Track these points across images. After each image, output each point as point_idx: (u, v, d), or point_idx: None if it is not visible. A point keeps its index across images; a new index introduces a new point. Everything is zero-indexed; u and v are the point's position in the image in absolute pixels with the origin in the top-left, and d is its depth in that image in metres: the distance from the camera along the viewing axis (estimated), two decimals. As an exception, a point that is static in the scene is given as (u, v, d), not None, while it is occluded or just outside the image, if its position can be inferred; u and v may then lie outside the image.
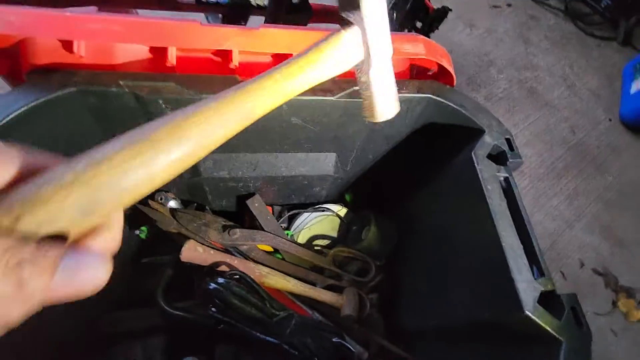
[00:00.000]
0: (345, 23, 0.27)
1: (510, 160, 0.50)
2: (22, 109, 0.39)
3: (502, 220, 0.45)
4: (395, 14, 1.01)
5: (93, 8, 0.58)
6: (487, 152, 0.50)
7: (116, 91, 0.43)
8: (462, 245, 0.53)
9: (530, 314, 0.39)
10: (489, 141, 0.51)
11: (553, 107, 1.45)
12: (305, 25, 0.84)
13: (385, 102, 0.30)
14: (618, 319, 1.00)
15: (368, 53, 0.27)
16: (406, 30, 1.14)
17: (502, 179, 0.49)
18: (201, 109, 0.21)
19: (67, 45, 0.43)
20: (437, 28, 1.12)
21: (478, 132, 0.52)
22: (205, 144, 0.21)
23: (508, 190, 0.48)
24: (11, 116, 0.39)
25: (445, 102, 0.53)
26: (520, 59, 1.57)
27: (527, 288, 0.41)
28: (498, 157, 0.51)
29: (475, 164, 0.48)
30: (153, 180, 0.19)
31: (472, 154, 0.49)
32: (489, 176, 0.48)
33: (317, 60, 0.26)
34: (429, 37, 1.10)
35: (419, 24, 1.12)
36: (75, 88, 0.42)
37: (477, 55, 1.51)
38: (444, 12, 1.08)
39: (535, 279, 0.42)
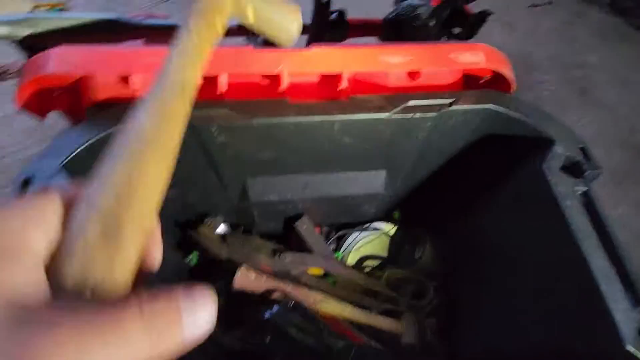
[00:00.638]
0: None
1: (587, 171, 0.45)
2: (87, 144, 0.40)
3: (588, 240, 0.40)
4: (434, 23, 0.98)
5: (140, 42, 0.61)
6: (560, 164, 0.45)
7: (170, 121, 0.43)
8: (534, 267, 0.48)
9: (632, 349, 0.34)
10: (560, 152, 0.46)
11: (608, 106, 1.34)
12: (344, 40, 0.83)
13: (285, 27, 0.30)
14: None
15: None
16: (445, 38, 1.11)
17: (580, 193, 0.44)
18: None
19: (124, 79, 0.44)
20: (477, 33, 1.08)
21: (546, 143, 0.48)
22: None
23: (590, 206, 0.43)
24: (78, 151, 0.39)
25: (507, 111, 0.49)
26: (567, 57, 1.47)
27: (626, 319, 0.36)
28: (573, 169, 0.46)
29: (548, 178, 0.44)
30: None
31: (543, 166, 0.45)
32: (566, 191, 0.43)
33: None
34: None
35: (456, 30, 1.09)
36: (133, 121, 0.42)
37: (519, 56, 1.43)
38: (484, 15, 1.03)
39: (633, 307, 0.37)
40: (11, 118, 1.04)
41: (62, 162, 0.38)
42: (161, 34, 0.57)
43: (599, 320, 0.37)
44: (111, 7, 1.33)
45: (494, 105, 0.49)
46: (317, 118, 0.46)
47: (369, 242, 0.68)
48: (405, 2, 1.00)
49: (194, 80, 0.24)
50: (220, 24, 0.27)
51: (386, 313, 0.59)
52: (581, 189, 0.44)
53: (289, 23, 0.31)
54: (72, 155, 0.39)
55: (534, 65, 1.43)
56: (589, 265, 0.38)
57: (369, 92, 0.48)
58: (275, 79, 0.47)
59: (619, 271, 0.39)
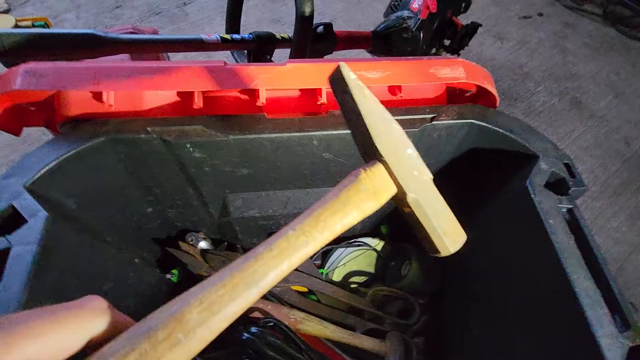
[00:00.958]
0: (366, 159, 0.27)
1: (572, 188, 0.44)
2: (54, 162, 0.39)
3: (571, 260, 0.39)
4: (422, 35, 0.98)
5: (126, 56, 0.60)
6: (544, 180, 0.44)
7: (144, 137, 0.42)
8: (521, 285, 0.46)
9: (619, 377, 0.33)
10: (545, 168, 0.45)
11: (601, 117, 1.34)
12: (331, 52, 0.82)
13: (443, 233, 0.27)
14: None
15: (398, 183, 0.25)
16: (434, 50, 1.11)
17: (564, 210, 0.43)
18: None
19: (97, 95, 0.43)
20: (467, 44, 1.08)
21: (531, 158, 0.47)
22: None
23: (574, 224, 0.42)
24: (44, 170, 0.38)
25: (491, 126, 0.48)
26: (559, 69, 1.48)
27: (612, 344, 0.34)
28: (557, 186, 0.45)
29: (532, 195, 0.43)
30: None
31: (527, 183, 0.44)
32: (550, 208, 0.42)
33: (337, 209, 0.24)
34: (458, 54, 1.06)
35: (446, 42, 1.09)
36: (105, 137, 0.41)
37: (511, 68, 1.44)
38: (474, 27, 1.04)
39: (620, 332, 0.35)
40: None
41: (27, 181, 0.37)
42: (141, 48, 0.57)
43: (585, 345, 0.36)
44: (100, 21, 1.33)
45: (477, 120, 0.48)
46: (295, 134, 0.45)
47: (355, 258, 0.66)
48: (395, 14, 1.00)
49: (270, 285, 0.23)
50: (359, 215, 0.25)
51: (371, 332, 0.57)
52: (566, 206, 0.43)
53: (449, 236, 0.28)
54: (38, 175, 0.37)
55: (526, 76, 1.43)
56: (573, 287, 0.37)
57: (349, 107, 0.47)
58: (253, 93, 0.47)
59: (604, 294, 0.37)
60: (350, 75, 0.26)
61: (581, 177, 0.45)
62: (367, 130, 0.25)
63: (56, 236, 0.36)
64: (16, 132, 0.48)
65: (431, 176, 0.27)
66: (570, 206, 0.43)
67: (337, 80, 0.26)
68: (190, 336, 0.19)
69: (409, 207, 0.26)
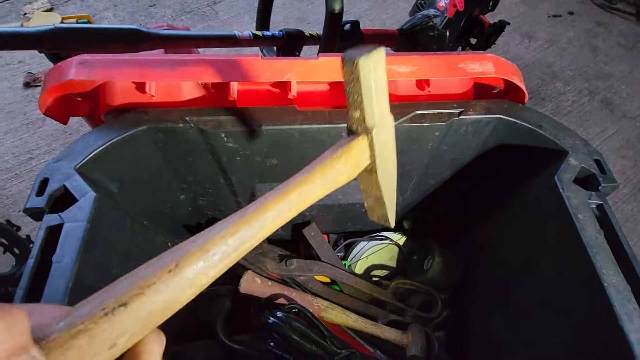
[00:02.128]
0: (351, 133, 0.31)
1: (602, 184, 0.43)
2: (101, 147, 0.42)
3: (601, 255, 0.38)
4: (448, 33, 0.98)
5: (160, 51, 0.63)
6: (573, 176, 0.44)
7: (182, 127, 0.45)
8: (546, 281, 0.46)
9: (648, 372, 0.33)
10: (574, 164, 0.45)
11: (633, 118, 1.29)
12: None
13: (387, 206, 0.32)
14: None
15: (374, 156, 0.30)
16: (460, 48, 1.10)
17: (594, 206, 0.43)
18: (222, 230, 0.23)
19: (140, 86, 0.46)
20: (494, 43, 1.07)
21: (560, 154, 0.46)
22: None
23: (604, 220, 0.41)
24: (92, 154, 0.41)
25: (519, 122, 0.48)
26: (589, 68, 1.43)
27: (641, 339, 0.34)
28: (587, 182, 0.44)
29: (561, 190, 0.43)
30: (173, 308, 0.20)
31: (556, 178, 0.44)
32: (579, 203, 0.42)
33: (330, 170, 0.28)
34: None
35: (473, 40, 1.08)
36: (146, 126, 0.44)
37: (539, 67, 1.41)
38: (501, 26, 1.02)
39: (650, 328, 0.35)
40: (40, 122, 1.10)
41: (77, 164, 0.39)
42: (178, 44, 0.59)
43: (612, 339, 0.36)
44: (136, 19, 1.39)
45: (504, 115, 0.48)
46: (325, 126, 0.46)
47: (377, 252, 0.67)
48: (421, 12, 1.00)
49: (276, 226, 0.25)
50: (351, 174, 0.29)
51: (392, 324, 0.58)
52: (595, 201, 0.43)
53: (384, 211, 0.33)
54: (86, 159, 0.40)
55: (554, 76, 1.40)
56: (602, 282, 0.37)
57: (377, 100, 0.49)
58: (284, 86, 0.48)
59: (634, 289, 0.37)
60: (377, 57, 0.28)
61: (612, 173, 0.45)
62: (362, 103, 0.29)
63: (102, 215, 0.39)
64: (64, 121, 0.51)
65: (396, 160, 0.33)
66: (600, 202, 0.43)
67: (347, 61, 0.28)
68: (218, 257, 0.22)
69: (377, 178, 0.31)
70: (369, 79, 0.28)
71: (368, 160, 0.31)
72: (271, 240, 0.66)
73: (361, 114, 0.29)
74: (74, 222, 0.37)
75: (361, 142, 0.30)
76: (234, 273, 0.58)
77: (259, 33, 0.65)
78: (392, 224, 0.35)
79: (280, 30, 0.69)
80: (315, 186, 0.27)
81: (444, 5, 0.98)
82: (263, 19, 0.76)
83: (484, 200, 0.58)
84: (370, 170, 0.31)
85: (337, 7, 0.57)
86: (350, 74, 0.28)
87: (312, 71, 0.44)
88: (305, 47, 0.77)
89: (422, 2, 1.07)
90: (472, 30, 1.04)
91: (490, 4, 1.04)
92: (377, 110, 0.29)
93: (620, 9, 1.70)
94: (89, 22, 0.77)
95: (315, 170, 0.28)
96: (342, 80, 0.47)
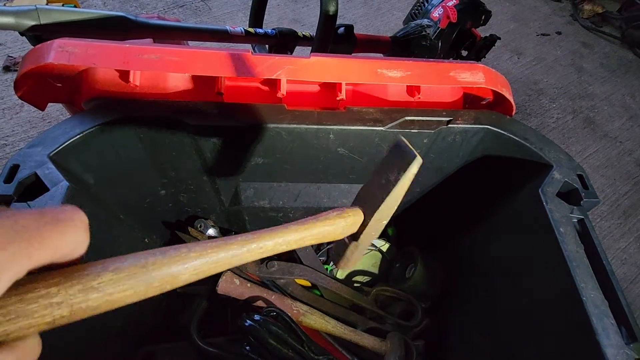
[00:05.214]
0: (358, 202, 0.32)
1: (584, 199, 0.44)
2: (78, 136, 0.40)
3: (580, 269, 0.39)
4: (440, 43, 0.99)
5: (149, 40, 0.61)
6: (557, 189, 0.44)
7: (166, 119, 0.43)
8: (527, 293, 0.46)
9: (622, 389, 0.33)
10: (558, 177, 0.45)
11: (614, 138, 1.33)
12: (350, 54, 0.83)
13: (348, 262, 0.34)
14: None
15: (360, 233, 0.31)
16: (451, 60, 1.11)
17: (576, 220, 0.43)
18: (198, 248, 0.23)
19: (124, 75, 0.44)
20: (485, 56, 1.08)
21: (544, 167, 0.47)
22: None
23: (585, 235, 0.42)
24: (68, 142, 0.39)
25: (506, 133, 0.48)
26: (574, 87, 1.47)
27: (617, 355, 0.34)
28: (570, 196, 0.45)
29: (544, 203, 0.43)
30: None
31: (540, 191, 0.44)
32: (561, 217, 0.42)
33: (324, 222, 0.29)
34: (476, 65, 1.06)
35: (464, 53, 1.09)
36: (128, 116, 0.42)
37: (526, 83, 1.44)
38: (492, 40, 1.04)
39: (626, 343, 0.35)
40: (17, 108, 1.06)
41: (51, 152, 0.38)
42: (168, 35, 0.58)
43: (590, 354, 0.36)
44: (126, 9, 1.36)
45: (492, 126, 0.49)
46: (313, 126, 0.45)
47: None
48: (415, 22, 1.01)
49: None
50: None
51: (372, 331, 0.57)
52: (577, 216, 0.43)
53: (347, 264, 0.35)
54: (61, 147, 0.38)
55: (540, 92, 1.43)
56: (581, 296, 0.37)
57: (367, 105, 0.48)
58: (274, 84, 0.48)
59: (612, 304, 0.37)
60: (414, 169, 0.30)
61: (594, 189, 0.45)
62: (383, 199, 0.30)
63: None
64: (41, 107, 0.49)
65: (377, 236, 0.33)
66: (582, 217, 0.43)
67: (401, 156, 0.30)
68: (185, 268, 0.22)
69: (348, 245, 0.33)
70: (406, 182, 0.30)
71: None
72: (253, 241, 0.65)
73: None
74: (44, 212, 0.35)
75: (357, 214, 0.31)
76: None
77: (252, 30, 0.64)
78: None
79: (273, 29, 0.69)
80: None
81: (438, 16, 0.99)
82: (257, 15, 0.75)
83: (468, 210, 0.58)
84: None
85: (331, 9, 0.57)
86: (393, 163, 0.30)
87: (304, 70, 0.44)
88: (297, 48, 0.76)
89: (416, 11, 1.08)
90: (464, 43, 1.06)
91: (483, 17, 1.06)
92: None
93: (606, 32, 1.76)
94: (75, 6, 0.75)
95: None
96: (333, 81, 0.47)
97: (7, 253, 0.15)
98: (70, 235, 0.18)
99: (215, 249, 0.23)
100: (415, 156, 0.29)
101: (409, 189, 0.31)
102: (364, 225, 0.31)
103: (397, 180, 0.30)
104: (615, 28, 1.78)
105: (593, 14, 1.79)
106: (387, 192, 0.30)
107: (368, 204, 0.31)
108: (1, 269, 0.15)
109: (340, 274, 0.65)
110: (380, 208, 0.30)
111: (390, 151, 0.31)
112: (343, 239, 0.33)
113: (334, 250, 0.35)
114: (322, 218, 0.29)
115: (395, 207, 0.31)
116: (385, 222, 0.32)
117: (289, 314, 0.51)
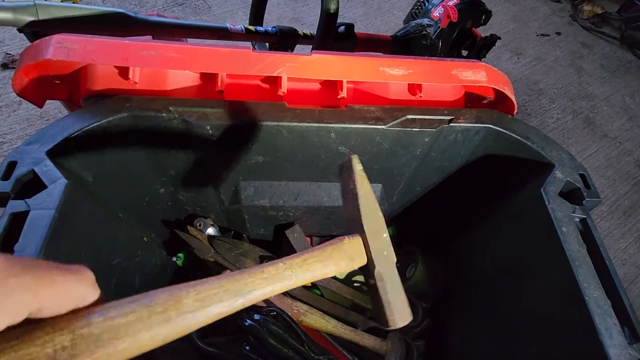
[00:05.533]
0: (349, 233, 0.32)
1: (586, 199, 0.44)
2: (77, 133, 0.40)
3: (583, 268, 0.38)
4: (440, 43, 0.99)
5: (148, 37, 0.61)
6: (559, 189, 0.44)
7: (166, 117, 0.43)
8: (528, 293, 0.46)
9: (625, 388, 0.32)
10: (560, 177, 0.45)
11: (614, 139, 1.33)
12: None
13: (394, 309, 0.31)
14: None
15: (370, 258, 0.30)
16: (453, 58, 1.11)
17: (578, 220, 0.43)
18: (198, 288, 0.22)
19: (123, 71, 0.44)
20: (485, 56, 1.08)
21: (546, 167, 0.46)
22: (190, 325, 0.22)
23: (587, 234, 0.42)
24: (67, 139, 0.39)
25: (508, 133, 0.48)
26: (574, 88, 1.47)
27: (620, 355, 0.34)
28: (572, 196, 0.45)
29: (546, 202, 0.43)
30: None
31: (542, 190, 0.44)
32: (564, 217, 0.42)
33: (320, 259, 0.28)
34: (476, 65, 1.06)
35: (464, 52, 1.09)
36: (127, 113, 0.42)
37: (526, 84, 1.44)
38: (492, 40, 1.04)
39: (629, 343, 0.35)
40: (15, 106, 1.05)
41: (49, 149, 0.37)
42: (167, 32, 0.57)
43: (592, 354, 0.35)
44: (125, 6, 1.35)
45: (494, 125, 0.48)
46: (313, 125, 0.45)
47: (361, 257, 0.66)
48: (415, 21, 1.01)
49: (255, 299, 0.25)
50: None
51: (372, 331, 0.57)
52: (579, 215, 0.43)
53: (398, 314, 0.31)
54: (60, 144, 0.38)
55: (540, 93, 1.43)
56: (583, 296, 0.37)
57: (368, 103, 0.48)
58: (275, 82, 0.47)
59: (615, 304, 0.37)
60: (359, 166, 0.33)
61: (596, 189, 0.45)
62: (359, 210, 0.31)
63: (73, 204, 0.37)
64: (39, 104, 0.49)
65: (395, 259, 0.31)
66: (584, 216, 0.43)
67: (347, 168, 0.33)
68: (181, 318, 0.21)
69: (374, 279, 0.30)
70: (362, 180, 0.32)
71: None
72: (253, 240, 0.64)
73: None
74: (41, 209, 0.34)
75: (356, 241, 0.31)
76: (212, 273, 0.56)
77: (252, 28, 0.64)
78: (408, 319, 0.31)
79: (274, 27, 0.68)
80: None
81: (438, 15, 0.99)
82: (257, 14, 0.74)
83: (470, 209, 0.58)
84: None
85: (332, 7, 0.57)
86: None
87: (305, 68, 0.43)
88: (298, 47, 0.76)
89: (417, 10, 1.08)
90: (464, 42, 1.05)
91: (483, 17, 1.05)
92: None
93: (606, 32, 1.76)
94: (74, 3, 0.74)
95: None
96: (334, 79, 0.47)
97: (17, 280, 0.16)
98: (78, 284, 0.19)
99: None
100: (350, 155, 0.32)
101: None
102: (368, 248, 0.30)
103: (355, 184, 0.31)
104: (614, 29, 1.78)
105: (592, 15, 1.79)
106: (357, 201, 0.31)
107: (354, 225, 0.31)
108: (8, 293, 0.16)
109: (341, 274, 0.65)
110: (363, 220, 0.30)
111: (340, 175, 0.34)
112: (365, 288, 0.32)
113: (375, 312, 0.32)
114: (331, 247, 0.29)
115: (379, 211, 0.32)
116: (384, 234, 0.31)
117: (289, 314, 0.51)
